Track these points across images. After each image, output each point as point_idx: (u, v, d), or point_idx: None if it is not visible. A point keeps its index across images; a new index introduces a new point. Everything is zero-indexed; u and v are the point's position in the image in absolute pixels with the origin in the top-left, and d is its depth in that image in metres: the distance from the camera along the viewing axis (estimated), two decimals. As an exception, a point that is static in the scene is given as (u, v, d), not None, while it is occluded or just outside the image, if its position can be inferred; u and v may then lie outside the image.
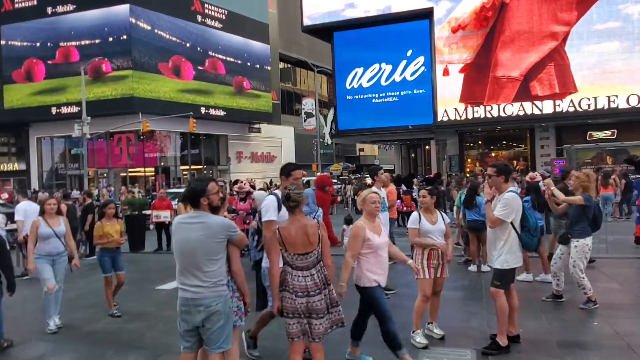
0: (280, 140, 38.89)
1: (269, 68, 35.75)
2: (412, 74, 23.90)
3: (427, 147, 31.64)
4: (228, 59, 31.86)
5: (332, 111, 28.30)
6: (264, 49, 35.16)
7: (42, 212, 6.05)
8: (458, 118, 23.08)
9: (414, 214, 4.95)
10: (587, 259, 5.74)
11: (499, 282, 4.52)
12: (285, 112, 41.81)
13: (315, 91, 35.24)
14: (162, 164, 29.83)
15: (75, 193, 18.21)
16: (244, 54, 33.22)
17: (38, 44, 27.61)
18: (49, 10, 27.21)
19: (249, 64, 33.57)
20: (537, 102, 21.70)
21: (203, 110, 29.31)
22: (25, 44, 27.95)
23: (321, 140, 33.24)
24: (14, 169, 30.49)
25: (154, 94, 26.76)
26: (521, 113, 21.99)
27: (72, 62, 26.36)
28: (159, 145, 29.23)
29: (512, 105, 22.07)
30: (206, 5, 30.41)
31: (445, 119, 23.22)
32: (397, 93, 24.22)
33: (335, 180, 27.90)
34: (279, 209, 4.04)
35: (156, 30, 27.24)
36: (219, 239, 3.34)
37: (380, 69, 24.42)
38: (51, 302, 5.75)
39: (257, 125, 35.46)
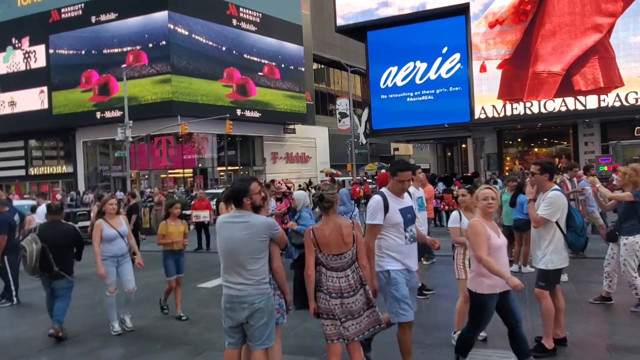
0: (314, 141, 39.06)
1: (302, 69, 35.97)
2: (447, 72, 23.51)
3: (463, 145, 31.01)
4: (262, 61, 32.26)
5: (366, 111, 28.21)
6: (298, 50, 35.40)
7: (102, 213, 5.82)
8: (496, 115, 22.52)
9: (455, 213, 4.89)
10: (638, 257, 5.50)
11: (544, 283, 4.39)
12: (319, 112, 41.96)
13: (349, 91, 35.19)
14: (200, 165, 30.55)
15: (119, 194, 18.91)
16: (278, 56, 33.57)
17: (83, 52, 28.84)
18: (93, 19, 28.38)
19: (283, 65, 33.89)
20: (581, 97, 20.89)
21: (239, 112, 29.81)
22: (71, 52, 29.26)
23: (356, 140, 33.17)
24: (62, 171, 31.96)
25: (192, 97, 27.44)
26: (563, 109, 21.23)
27: (115, 68, 27.35)
28: (197, 147, 29.96)
29: (554, 101, 21.34)
30: (241, 9, 30.91)
31: (483, 116, 22.71)
32: (432, 91, 23.88)
33: (370, 180, 27.81)
34: (386, 210, 3.77)
35: (193, 35, 27.92)
36: (262, 238, 3.40)
37: (414, 67, 24.14)
38: (112, 306, 5.67)
39: (291, 126, 35.75)
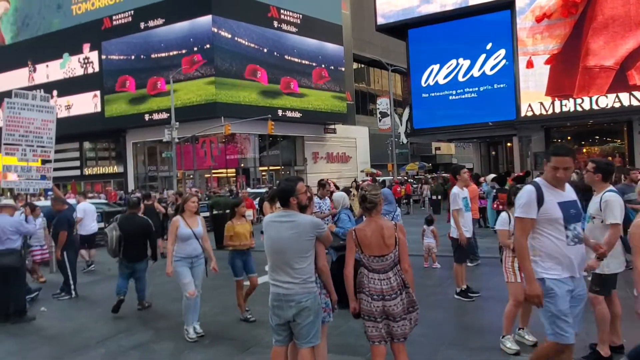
0: (355, 141, 38.99)
1: (343, 69, 36.00)
2: (492, 68, 22.86)
3: (508, 144, 30.08)
4: (303, 62, 32.54)
5: (407, 110, 27.83)
6: (338, 50, 35.46)
7: (181, 211, 5.64)
8: (544, 113, 21.69)
9: (504, 215, 4.79)
10: None
11: (599, 288, 4.20)
12: (359, 112, 41.84)
13: (389, 90, 34.90)
14: (243, 165, 31.16)
15: (166, 193, 19.60)
16: (319, 57, 33.74)
17: (132, 57, 30.08)
18: (142, 25, 29.53)
19: (323, 65, 34.05)
20: (636, 93, 19.79)
21: (280, 112, 30.20)
22: (121, 57, 30.59)
23: (396, 139, 32.86)
24: (114, 171, 33.46)
25: (235, 98, 28.04)
26: (617, 105, 20.17)
27: (162, 72, 28.35)
28: (240, 147, 30.59)
29: (607, 96, 20.31)
30: (282, 11, 31.30)
31: (530, 114, 21.93)
32: (476, 89, 23.27)
33: (411, 180, 27.50)
34: (540, 202, 3.23)
35: (236, 38, 28.52)
36: (309, 237, 3.43)
37: (457, 64, 23.63)
38: (190, 308, 5.46)
39: (332, 126, 35.85)
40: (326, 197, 7.72)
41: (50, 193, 12.92)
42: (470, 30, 22.96)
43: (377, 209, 3.57)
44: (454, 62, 23.65)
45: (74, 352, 5.26)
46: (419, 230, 8.95)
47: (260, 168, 32.70)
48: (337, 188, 9.96)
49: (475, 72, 23.21)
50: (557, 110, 21.38)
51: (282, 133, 31.48)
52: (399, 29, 25.41)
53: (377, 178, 26.12)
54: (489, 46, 22.77)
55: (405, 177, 29.19)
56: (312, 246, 3.48)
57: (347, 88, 37.22)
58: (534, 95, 21.74)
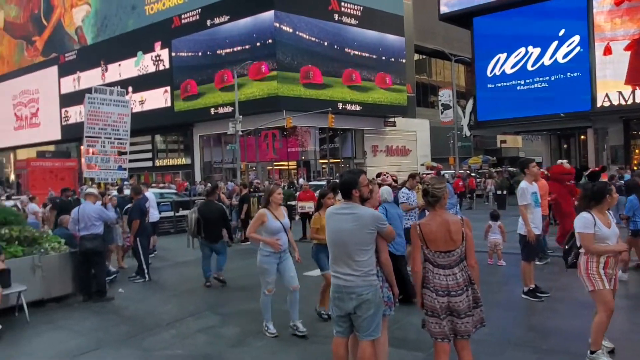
0: (415, 134, 38.27)
1: (403, 61, 35.35)
2: (564, 56, 21.50)
3: (582, 137, 28.22)
4: (363, 54, 32.32)
5: (471, 102, 26.90)
6: (399, 41, 34.84)
7: (266, 203, 5.40)
8: (623, 103, 20.11)
9: (586, 216, 4.20)
10: None
11: None
12: (420, 104, 40.96)
13: (452, 81, 33.86)
14: (303, 158, 31.60)
15: (230, 185, 20.31)
16: (379, 48, 33.35)
17: (200, 53, 31.32)
18: (208, 22, 30.63)
19: (383, 58, 33.62)
20: None
21: (340, 105, 30.25)
22: (190, 54, 31.94)
23: (458, 132, 31.87)
24: (182, 162, 35.16)
25: (296, 92, 28.44)
26: None
27: (227, 67, 29.28)
28: (300, 140, 31.03)
29: (697, 85, 18.52)
30: (342, 4, 31.22)
31: (607, 104, 20.43)
32: (547, 78, 22.01)
33: (474, 174, 26.60)
34: None
35: (297, 32, 28.85)
36: (370, 230, 3.44)
37: (526, 52, 22.44)
38: (267, 305, 5.37)
39: (392, 119, 35.40)
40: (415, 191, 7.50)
41: (127, 182, 13.82)
42: (540, 16, 21.68)
43: (440, 203, 3.49)
44: (522, 50, 22.47)
45: (148, 331, 5.65)
46: (482, 226, 8.68)
47: (321, 161, 32.99)
48: (396, 182, 9.83)
49: (546, 61, 21.93)
50: (638, 100, 19.77)
51: (342, 126, 31.51)
52: (463, 18, 24.53)
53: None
54: (561, 32, 21.41)
55: (468, 171, 28.27)
56: (372, 239, 3.48)
57: (408, 80, 36.52)
58: (612, 84, 20.22)
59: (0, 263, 6.08)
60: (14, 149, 47.44)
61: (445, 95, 35.72)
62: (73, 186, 19.36)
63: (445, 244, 3.39)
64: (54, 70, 41.92)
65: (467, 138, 36.37)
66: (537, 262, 7.46)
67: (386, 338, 3.94)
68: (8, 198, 15.48)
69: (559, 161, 10.30)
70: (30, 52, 45.56)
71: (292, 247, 5.49)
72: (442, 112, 36.14)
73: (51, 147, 41.77)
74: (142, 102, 34.75)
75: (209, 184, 16.65)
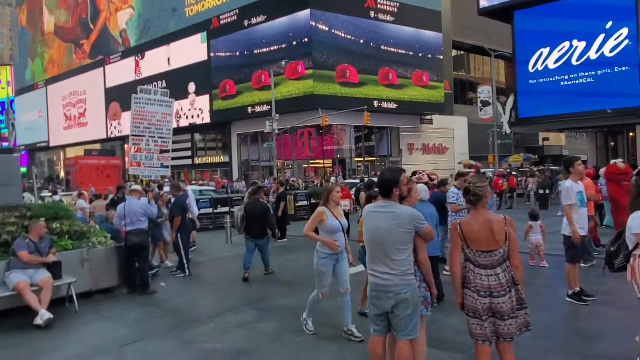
0: (452, 131, 37.58)
1: (441, 57, 34.74)
2: (611, 50, 20.52)
3: (631, 133, 26.90)
4: (399, 51, 31.97)
5: (511, 98, 26.08)
6: (436, 37, 34.25)
7: (325, 202, 5.14)
8: (677, 98, 19.06)
9: None
10: None
11: None
12: (458, 101, 40.14)
13: (491, 77, 33.00)
14: (339, 156, 31.64)
15: (267, 182, 20.59)
16: (416, 45, 32.90)
17: (237, 53, 31.85)
18: (246, 22, 31.10)
19: (420, 54, 33.15)
20: None
21: (375, 103, 30.07)
22: (227, 54, 32.54)
23: (498, 129, 31.04)
24: (220, 160, 35.90)
25: (331, 90, 28.47)
26: None
27: (264, 66, 29.65)
28: (336, 138, 31.07)
29: None
30: (379, 0, 30.99)
31: (658, 99, 19.40)
32: (592, 72, 21.08)
33: (515, 173, 25.87)
34: None
35: (333, 30, 28.86)
36: (407, 229, 3.41)
37: (570, 46, 21.56)
38: (316, 305, 5.26)
39: (428, 117, 34.89)
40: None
41: (167, 180, 14.25)
42: (585, 8, 20.78)
43: (482, 202, 3.42)
44: (566, 44, 21.62)
45: (188, 323, 5.82)
46: (522, 226, 8.44)
47: (356, 159, 32.92)
48: (431, 180, 9.68)
49: (592, 55, 21.01)
50: (694, 95, 18.68)
51: (378, 124, 31.33)
52: (504, 11, 23.81)
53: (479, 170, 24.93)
54: (608, 25, 20.45)
55: (508, 170, 27.51)
56: (410, 238, 3.46)
57: (445, 77, 35.86)
58: (664, 79, 19.18)
59: (52, 256, 6.42)
60: (63, 147, 49.81)
61: (485, 92, 34.86)
62: (117, 183, 20.13)
63: (488, 243, 3.33)
64: (99, 71, 43.67)
65: (507, 135, 35.39)
66: (582, 264, 7.19)
67: (424, 338, 3.91)
68: (54, 193, 16.25)
69: (612, 161, 9.83)
70: (78, 55, 47.63)
71: (347, 249, 5.27)
72: (480, 109, 35.30)
73: (97, 146, 43.55)
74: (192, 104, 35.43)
75: (252, 182, 16.96)
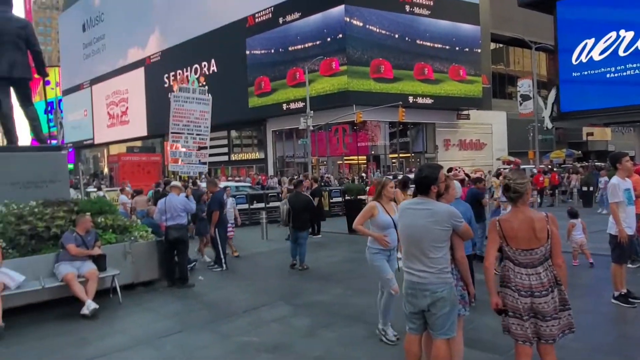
0: (490, 127, 36.64)
1: (479, 50, 33.88)
2: (664, 39, 19.48)
3: (684, 128, 25.51)
4: (436, 45, 31.41)
5: (553, 91, 25.17)
6: (474, 30, 33.42)
7: (378, 196, 4.96)
8: None
9: None
10: None
11: None
12: (496, 96, 39.10)
13: (532, 71, 31.93)
14: (373, 152, 31.47)
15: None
16: (452, 39, 32.23)
17: (272, 51, 32.14)
18: (280, 20, 31.33)
19: (457, 48, 32.45)
20: None
21: (411, 99, 29.69)
22: (263, 51, 32.90)
23: (539, 124, 30.04)
24: (256, 157, 36.41)
25: (366, 86, 28.31)
26: None
27: (298, 64, 29.80)
28: (370, 134, 30.91)
29: None
30: (415, -5, 30.56)
31: None
32: (642, 64, 20.07)
33: (557, 169, 24.99)
34: None
35: (368, 26, 28.66)
36: (445, 226, 3.36)
37: (617, 37, 20.56)
38: (389, 306, 4.87)
39: (465, 112, 34.15)
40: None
41: (204, 176, 14.59)
42: (634, -4, 19.79)
43: (522, 199, 3.33)
44: (613, 34, 20.63)
45: (225, 317, 5.95)
46: (564, 225, 8.15)
47: (391, 155, 32.64)
48: (468, 177, 9.49)
49: (642, 45, 19.99)
50: None
51: (413, 120, 30.93)
52: (545, 2, 22.96)
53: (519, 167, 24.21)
54: (660, 13, 19.39)
55: (550, 166, 26.60)
56: (447, 236, 3.40)
57: (484, 71, 34.98)
58: None
59: (97, 249, 6.70)
60: (107, 144, 51.79)
61: (525, 86, 33.83)
62: (157, 179, 20.76)
63: (529, 241, 3.24)
64: (140, 71, 45.05)
65: (548, 130, 34.23)
66: (630, 265, 6.89)
67: (461, 338, 3.85)
68: (98, 189, 16.94)
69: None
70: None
71: (399, 247, 5.02)
72: (520, 104, 34.29)
73: (138, 143, 45.02)
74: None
75: (290, 177, 17.15)
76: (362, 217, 4.91)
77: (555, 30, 22.83)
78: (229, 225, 9.87)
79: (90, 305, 6.04)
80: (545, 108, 29.28)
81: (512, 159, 30.77)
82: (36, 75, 8.24)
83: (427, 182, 3.46)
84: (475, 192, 7.67)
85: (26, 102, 8.03)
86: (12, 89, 7.86)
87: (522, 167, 25.56)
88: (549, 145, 35.88)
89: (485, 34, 35.43)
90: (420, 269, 3.41)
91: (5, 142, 8.44)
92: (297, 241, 8.59)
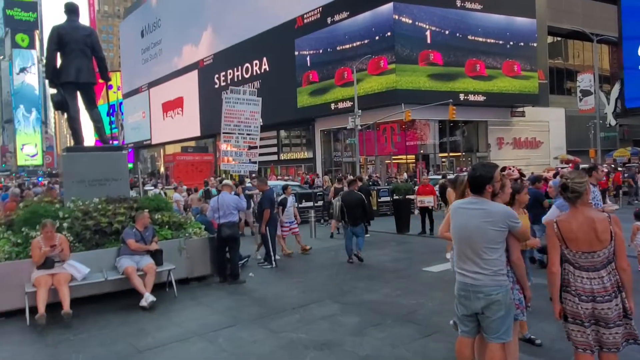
0: (547, 124, 35.01)
1: (535, 45, 32.45)
2: None
3: None
4: (488, 40, 30.40)
5: (617, 86, 23.86)
6: (529, 24, 32.03)
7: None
8: None
9: None
10: None
11: None
12: (554, 92, 37.32)
13: (594, 64, 30.24)
14: (422, 151, 30.92)
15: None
16: (506, 33, 31.05)
17: (320, 51, 32.32)
18: (329, 20, 31.43)
19: (511, 43, 31.24)
20: None
21: (462, 96, 28.92)
22: (311, 52, 33.15)
23: (601, 121, 28.40)
24: (304, 156, 36.76)
25: (415, 84, 27.86)
26: None
27: (346, 63, 29.76)
28: (419, 133, 30.39)
29: None
30: (467, -11, 29.71)
31: None
32: None
33: (621, 168, 23.54)
34: None
35: (417, 23, 28.18)
36: (500, 227, 3.26)
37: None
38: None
39: (520, 109, 32.82)
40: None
41: (254, 175, 14.90)
42: None
43: (582, 200, 3.19)
44: (686, 23, 19.20)
45: (275, 313, 6.07)
46: (628, 227, 7.67)
47: (440, 154, 31.96)
48: (523, 176, 9.12)
49: None
50: None
51: (464, 118, 30.11)
52: (610, -9, 21.73)
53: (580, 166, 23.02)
54: None
55: (613, 165, 25.11)
56: (502, 237, 3.30)
57: (540, 66, 33.46)
58: None
59: (154, 244, 7.03)
60: (163, 144, 54.09)
61: (585, 81, 32.11)
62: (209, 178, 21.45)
63: (590, 244, 3.09)
64: (194, 74, 46.67)
65: (611, 127, 32.32)
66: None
67: (517, 343, 3.72)
68: (155, 187, 17.75)
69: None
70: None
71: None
72: (580, 100, 32.57)
73: (192, 143, 46.66)
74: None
75: (339, 177, 17.22)
76: (446, 223, 4.38)
77: (620, 21, 21.56)
78: (289, 223, 10.11)
79: (148, 298, 6.35)
80: (608, 104, 27.70)
81: (571, 157, 29.27)
82: (100, 80, 8.73)
83: (482, 182, 3.36)
84: (535, 193, 7.34)
85: (91, 105, 8.53)
86: (78, 93, 8.37)
87: (581, 166, 24.30)
88: (612, 143, 33.82)
89: (541, 27, 33.88)
90: (474, 270, 3.33)
91: (72, 143, 9.00)
92: (354, 234, 9.15)
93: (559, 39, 39.08)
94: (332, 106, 31.33)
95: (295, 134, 38.59)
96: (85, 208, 7.23)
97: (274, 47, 35.93)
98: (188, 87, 47.62)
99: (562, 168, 17.18)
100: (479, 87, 29.85)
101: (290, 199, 10.38)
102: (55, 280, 6.05)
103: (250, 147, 11.35)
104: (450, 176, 11.19)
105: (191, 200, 12.34)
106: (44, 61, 8.96)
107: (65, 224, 6.92)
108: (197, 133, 46.29)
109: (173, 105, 51.35)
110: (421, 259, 9.15)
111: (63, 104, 8.16)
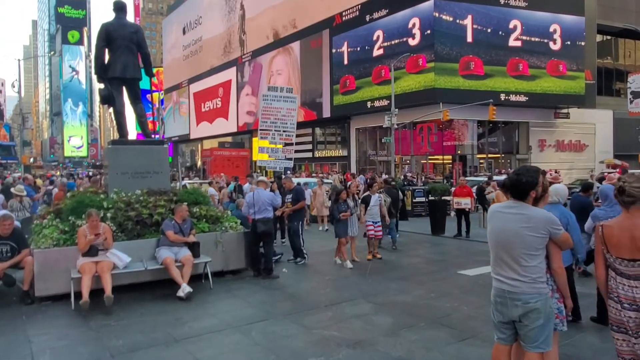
0: (593, 127, 33.60)
1: (582, 44, 31.16)
2: None
3: None
4: (532, 39, 29.41)
5: (672, 88, 22.43)
6: (577, 22, 30.78)
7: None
8: None
9: None
10: None
11: None
12: (601, 93, 35.72)
13: (646, 65, 28.74)
14: (459, 152, 30.31)
15: (360, 178, 20.41)
16: (552, 31, 29.94)
17: (358, 49, 32.16)
18: (367, 17, 31.23)
19: (557, 41, 30.09)
20: None
21: (503, 96, 28.14)
22: (349, 49, 33.04)
23: (653, 125, 27.01)
24: (339, 154, 36.74)
25: (453, 83, 27.31)
26: None
27: (384, 61, 29.51)
28: (457, 133, 29.79)
29: None
30: (511, -14, 28.83)
31: None
32: None
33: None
34: None
35: (458, 21, 27.59)
36: (541, 233, 3.14)
37: None
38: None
39: (564, 110, 31.64)
40: None
41: (290, 172, 15.03)
42: None
43: (636, 205, 3.05)
44: None
45: (308, 310, 6.11)
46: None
47: (478, 155, 31.23)
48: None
49: None
50: None
51: (504, 119, 29.30)
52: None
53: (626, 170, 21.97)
54: None
55: (663, 172, 23.83)
56: (543, 244, 3.18)
57: (587, 65, 32.10)
58: None
59: (192, 237, 7.21)
60: (201, 139, 55.32)
61: (636, 82, 30.54)
62: (246, 173, 21.80)
63: (630, 251, 2.98)
64: (232, 70, 47.44)
65: (664, 131, 30.66)
66: None
67: (557, 354, 3.59)
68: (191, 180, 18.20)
69: None
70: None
71: None
72: (631, 101, 31.00)
73: (229, 139, 47.48)
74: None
75: (371, 177, 17.20)
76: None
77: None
78: (372, 223, 9.22)
79: (185, 289, 6.52)
80: (661, 106, 26.21)
81: (618, 162, 27.95)
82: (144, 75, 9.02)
83: (527, 188, 3.25)
84: (582, 200, 7.01)
85: (136, 99, 8.83)
86: (124, 88, 8.67)
87: (630, 171, 23.17)
88: (664, 147, 32.13)
89: (590, 26, 32.49)
90: (511, 276, 3.23)
91: (116, 136, 9.33)
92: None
93: (609, 37, 37.36)
94: (369, 104, 31.14)
95: (331, 131, 38.59)
96: (128, 199, 7.50)
97: (311, 45, 36.03)
98: (226, 83, 48.48)
99: (608, 173, 16.44)
100: (521, 87, 28.97)
101: (375, 197, 9.32)
102: (99, 268, 6.31)
103: (286, 144, 11.46)
104: (497, 177, 10.95)
105: (222, 195, 12.53)
106: (92, 57, 9.32)
107: (108, 214, 7.20)
108: (234, 129, 47.07)
109: (212, 101, 52.36)
110: (456, 262, 8.99)
111: (110, 99, 8.47)
